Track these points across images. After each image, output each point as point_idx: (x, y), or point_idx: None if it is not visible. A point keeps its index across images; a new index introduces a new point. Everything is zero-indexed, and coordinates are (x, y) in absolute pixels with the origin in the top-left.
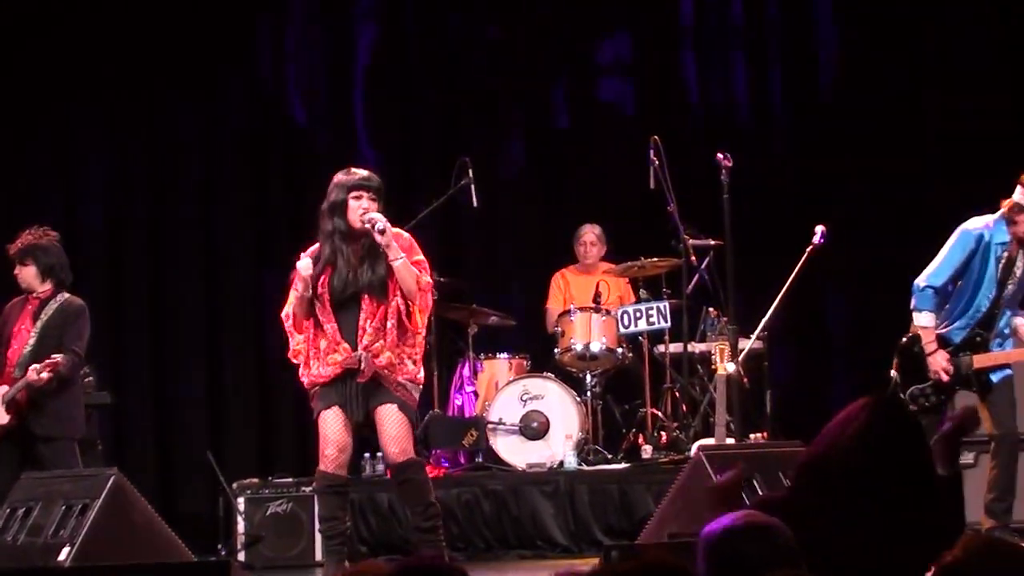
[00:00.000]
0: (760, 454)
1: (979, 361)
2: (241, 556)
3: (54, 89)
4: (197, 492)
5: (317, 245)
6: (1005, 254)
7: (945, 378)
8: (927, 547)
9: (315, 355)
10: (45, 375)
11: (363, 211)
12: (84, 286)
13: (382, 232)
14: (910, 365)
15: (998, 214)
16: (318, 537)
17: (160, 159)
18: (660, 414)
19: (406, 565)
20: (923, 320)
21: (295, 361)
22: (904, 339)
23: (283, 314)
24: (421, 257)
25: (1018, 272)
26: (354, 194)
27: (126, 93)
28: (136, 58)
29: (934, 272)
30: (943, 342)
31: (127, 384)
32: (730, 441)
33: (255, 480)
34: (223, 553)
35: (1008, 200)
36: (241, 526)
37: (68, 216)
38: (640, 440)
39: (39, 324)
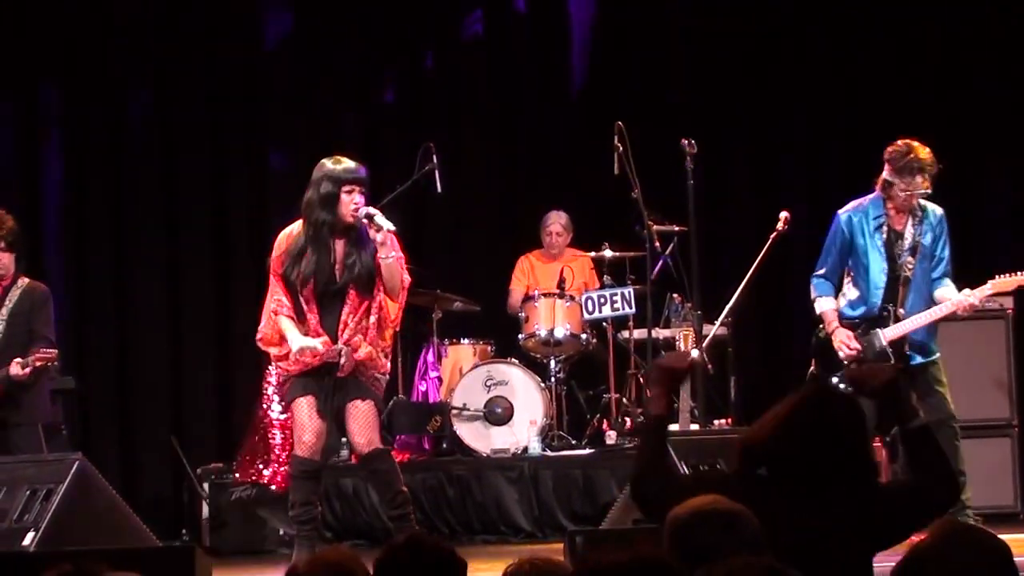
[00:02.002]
0: (724, 440)
1: (890, 334)
2: (206, 541)
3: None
4: (161, 477)
5: (296, 225)
6: (884, 227)
7: (846, 352)
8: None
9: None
10: (29, 370)
11: (355, 206)
12: (47, 270)
13: (380, 230)
14: (827, 356)
15: (874, 193)
16: None
17: (120, 139)
18: (624, 400)
19: (403, 542)
20: (820, 305)
21: (265, 347)
22: (816, 334)
23: (270, 307)
24: (400, 254)
25: (907, 243)
26: (346, 188)
27: (86, 70)
28: (97, 35)
29: (819, 260)
30: (849, 325)
31: (90, 369)
32: (694, 427)
33: (219, 465)
34: (187, 538)
35: (879, 177)
36: (205, 511)
37: (29, 198)
38: (604, 426)
39: (6, 311)
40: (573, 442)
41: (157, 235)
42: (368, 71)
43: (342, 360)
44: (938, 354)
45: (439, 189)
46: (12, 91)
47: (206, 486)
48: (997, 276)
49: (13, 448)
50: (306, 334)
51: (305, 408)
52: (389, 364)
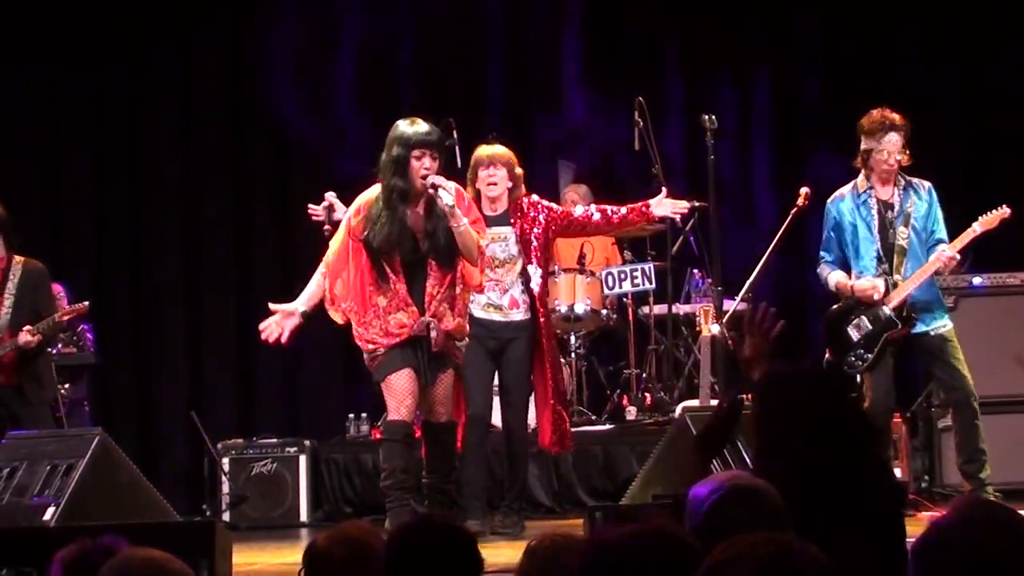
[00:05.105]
0: (744, 416)
1: (890, 300)
2: (226, 516)
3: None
4: (180, 452)
5: (376, 187)
6: (872, 200)
7: (879, 293)
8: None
9: (375, 313)
10: (37, 337)
11: (425, 172)
12: (68, 246)
13: (447, 203)
14: (836, 338)
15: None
16: (303, 498)
17: (143, 118)
18: (645, 375)
19: (414, 520)
20: (834, 279)
21: (340, 314)
22: (823, 322)
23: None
24: (478, 215)
25: (897, 211)
26: (416, 152)
27: (110, 52)
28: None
29: (821, 246)
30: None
31: (111, 344)
32: (714, 402)
33: (240, 440)
34: (208, 513)
35: (859, 155)
36: (226, 486)
37: (53, 173)
38: (624, 401)
39: (9, 292)
40: (593, 418)
41: (176, 209)
42: (386, 49)
43: (433, 333)
44: (948, 324)
45: (459, 164)
46: (36, 69)
47: (227, 461)
48: (980, 217)
49: (28, 427)
50: (388, 304)
51: (403, 379)
52: (468, 326)
